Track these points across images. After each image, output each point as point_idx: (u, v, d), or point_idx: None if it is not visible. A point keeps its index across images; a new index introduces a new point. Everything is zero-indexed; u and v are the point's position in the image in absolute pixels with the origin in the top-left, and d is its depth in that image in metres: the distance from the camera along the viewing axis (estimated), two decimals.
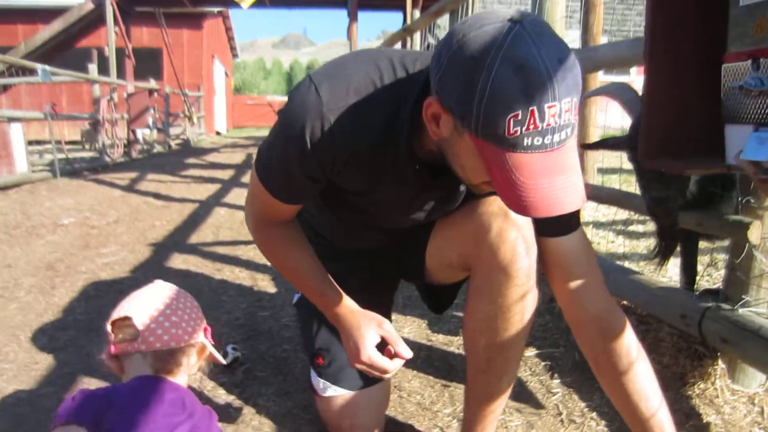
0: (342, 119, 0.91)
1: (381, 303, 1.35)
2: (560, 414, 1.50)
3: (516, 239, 1.02)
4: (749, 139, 0.96)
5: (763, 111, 0.93)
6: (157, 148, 10.97)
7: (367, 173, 1.00)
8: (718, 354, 1.53)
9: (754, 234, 1.37)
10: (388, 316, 1.43)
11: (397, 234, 1.24)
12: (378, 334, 1.10)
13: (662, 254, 1.66)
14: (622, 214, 3.83)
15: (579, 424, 1.45)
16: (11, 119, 6.07)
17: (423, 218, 1.14)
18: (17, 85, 11.26)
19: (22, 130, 6.19)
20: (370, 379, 1.30)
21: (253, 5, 10.60)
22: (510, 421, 1.48)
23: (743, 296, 1.43)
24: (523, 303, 1.04)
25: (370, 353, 1.07)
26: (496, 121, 0.73)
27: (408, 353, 1.08)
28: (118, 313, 1.02)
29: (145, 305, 1.02)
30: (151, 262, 3.02)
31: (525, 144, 0.74)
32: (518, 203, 0.77)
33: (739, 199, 1.43)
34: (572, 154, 0.78)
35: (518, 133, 0.73)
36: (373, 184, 1.02)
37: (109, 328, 1.02)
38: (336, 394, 1.31)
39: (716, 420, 1.42)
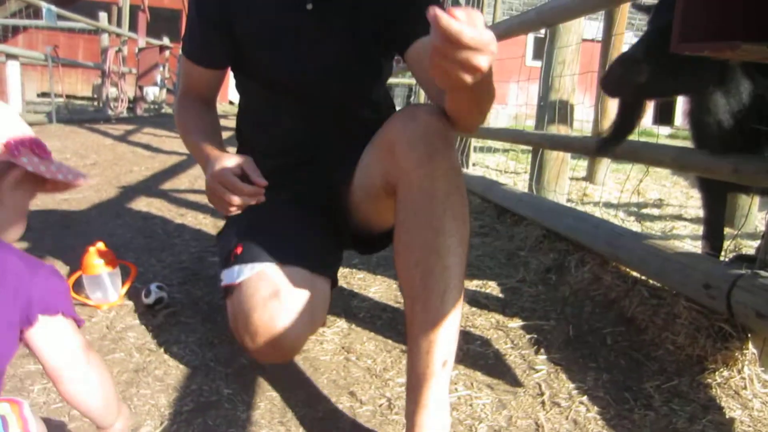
0: None
1: (321, 226, 1.17)
2: (542, 394, 1.19)
3: (430, 133, 0.92)
4: None
5: None
6: (165, 109, 10.70)
7: None
8: (749, 335, 1.20)
9: None
10: (336, 261, 1.25)
11: (320, 128, 1.19)
12: (238, 164, 1.00)
13: (611, 137, 1.38)
14: (635, 197, 3.49)
15: (564, 408, 1.14)
16: (9, 56, 5.83)
17: (315, 55, 1.12)
18: (33, 35, 11.06)
19: (20, 69, 5.96)
20: (289, 257, 1.07)
21: None
22: (477, 398, 1.17)
23: None
24: (451, 198, 0.91)
25: (224, 170, 0.98)
26: None
27: (262, 182, 0.99)
28: None
29: None
30: (112, 202, 2.74)
31: None
32: None
33: None
34: None
35: None
36: (249, 8, 1.11)
37: None
38: (251, 273, 1.04)
39: (742, 416, 1.10)
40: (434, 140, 0.92)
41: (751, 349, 1.19)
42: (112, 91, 8.29)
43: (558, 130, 2.37)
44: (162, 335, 1.35)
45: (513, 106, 13.25)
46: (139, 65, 9.27)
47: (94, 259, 1.45)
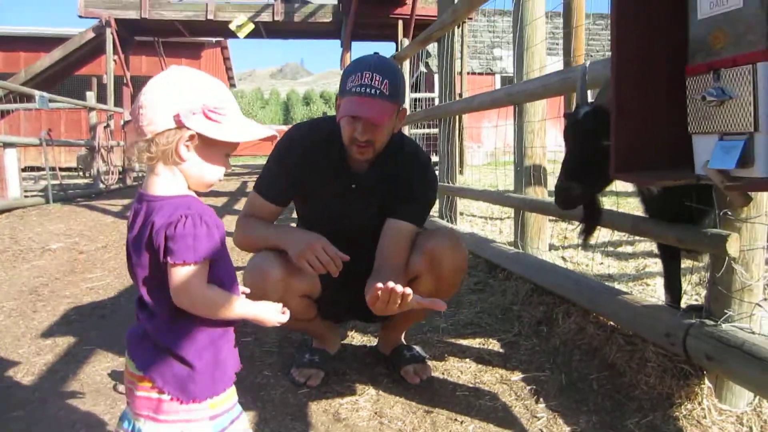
0: (303, 133, 1.79)
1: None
2: None
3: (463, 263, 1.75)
4: (715, 148, 0.95)
5: (725, 120, 0.92)
6: None
7: (312, 167, 1.71)
8: (704, 372, 1.49)
9: (733, 247, 1.35)
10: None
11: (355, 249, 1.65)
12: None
13: (584, 232, 1.71)
14: (611, 235, 3.82)
15: None
16: (6, 144, 6.07)
17: (355, 216, 1.75)
18: (16, 112, 11.38)
19: (17, 156, 6.20)
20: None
21: (250, 35, 10.76)
22: None
23: (726, 311, 1.41)
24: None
25: (328, 243, 1.59)
26: (345, 83, 1.59)
27: (345, 257, 1.58)
28: None
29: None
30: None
31: (351, 90, 1.56)
32: (342, 113, 1.57)
33: (717, 212, 1.42)
34: (377, 104, 1.55)
35: (349, 85, 1.57)
36: (314, 179, 1.72)
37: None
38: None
39: None
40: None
41: (707, 384, 1.48)
42: (101, 165, 8.56)
43: (535, 191, 2.70)
44: None
45: (488, 143, 13.84)
46: (127, 137, 9.59)
47: None
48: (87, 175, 9.40)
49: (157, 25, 11.20)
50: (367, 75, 1.54)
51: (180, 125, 0.93)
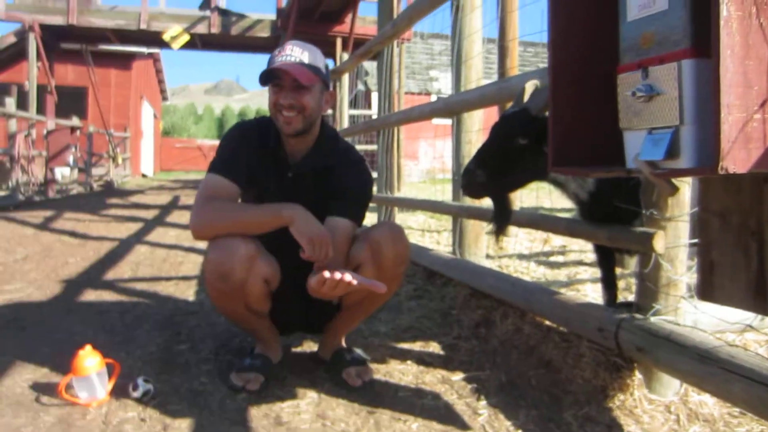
0: (246, 121, 1.89)
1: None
2: None
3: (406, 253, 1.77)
4: (644, 141, 1.01)
5: (654, 115, 0.99)
6: (77, 189, 10.44)
7: (253, 152, 1.78)
8: (635, 365, 1.56)
9: (659, 244, 1.43)
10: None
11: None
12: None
13: (495, 231, 1.80)
14: (543, 246, 3.96)
15: None
16: None
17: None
18: None
19: None
20: None
21: (184, 47, 10.51)
22: None
23: (654, 305, 1.48)
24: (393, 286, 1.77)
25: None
26: (270, 64, 1.71)
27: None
28: None
29: None
30: (60, 299, 2.80)
31: (274, 62, 1.68)
32: (268, 80, 1.70)
33: (644, 212, 1.50)
34: (298, 66, 1.67)
35: (272, 60, 1.70)
36: (255, 164, 1.78)
37: None
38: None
39: (636, 430, 1.44)
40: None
41: (638, 376, 1.55)
42: (20, 176, 8.07)
43: (472, 200, 2.76)
44: (157, 425, 1.51)
45: (424, 161, 14.10)
46: (50, 147, 9.10)
47: (85, 362, 1.60)
48: (6, 186, 8.80)
49: (86, 32, 10.74)
50: (288, 47, 1.72)
51: None
